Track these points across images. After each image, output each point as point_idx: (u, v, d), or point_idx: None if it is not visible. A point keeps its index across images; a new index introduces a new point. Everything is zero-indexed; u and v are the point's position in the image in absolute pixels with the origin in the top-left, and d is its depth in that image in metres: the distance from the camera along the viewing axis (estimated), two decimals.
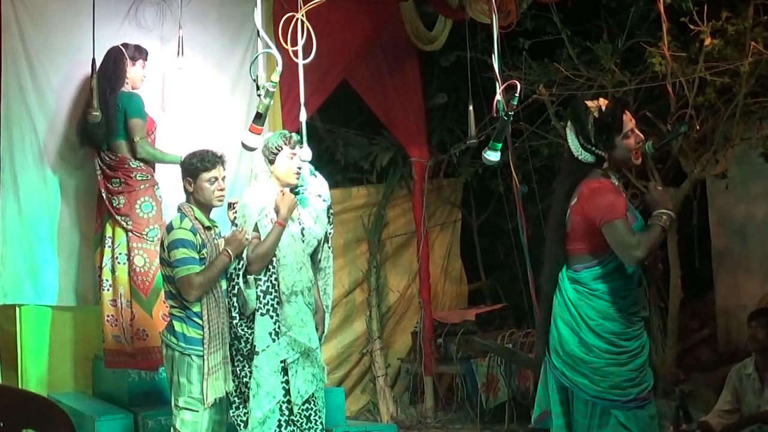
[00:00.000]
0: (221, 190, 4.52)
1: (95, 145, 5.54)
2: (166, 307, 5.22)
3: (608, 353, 3.74)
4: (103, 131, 5.42)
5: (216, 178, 4.49)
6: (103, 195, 5.50)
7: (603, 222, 3.71)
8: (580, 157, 3.81)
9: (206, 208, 4.54)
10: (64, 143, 5.75)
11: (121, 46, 5.56)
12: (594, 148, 3.78)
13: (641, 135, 3.82)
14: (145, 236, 5.41)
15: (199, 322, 4.39)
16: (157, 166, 5.61)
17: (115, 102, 5.43)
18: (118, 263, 5.46)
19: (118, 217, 5.44)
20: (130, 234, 5.42)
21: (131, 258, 5.41)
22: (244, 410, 4.51)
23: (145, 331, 5.39)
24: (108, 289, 5.49)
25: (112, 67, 5.50)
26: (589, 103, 3.81)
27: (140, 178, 5.48)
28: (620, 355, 3.73)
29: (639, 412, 3.74)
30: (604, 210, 3.71)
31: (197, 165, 4.47)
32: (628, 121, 3.80)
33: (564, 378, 3.81)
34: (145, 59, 5.64)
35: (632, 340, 3.76)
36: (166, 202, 5.51)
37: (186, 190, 4.53)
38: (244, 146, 4.10)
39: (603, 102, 3.82)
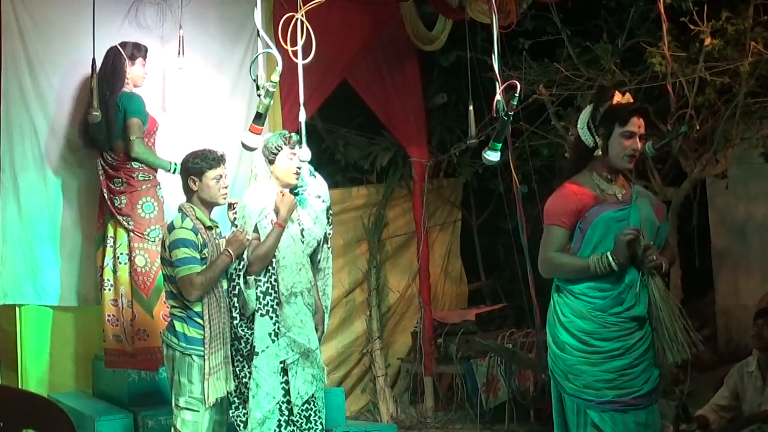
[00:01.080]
0: (225, 187, 4.56)
1: (98, 145, 5.54)
2: (167, 307, 5.24)
3: (580, 351, 3.74)
4: (104, 132, 5.43)
5: (221, 176, 4.52)
6: (105, 195, 5.50)
7: (545, 224, 3.85)
8: (580, 131, 3.86)
9: (209, 207, 4.55)
10: (64, 143, 5.75)
11: (118, 46, 5.54)
12: (595, 129, 3.81)
13: (639, 146, 3.83)
14: (146, 236, 5.41)
15: (200, 322, 4.39)
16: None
17: (115, 103, 5.42)
18: (120, 263, 5.46)
19: (119, 217, 5.44)
20: (131, 234, 5.42)
21: (132, 258, 5.41)
22: (244, 411, 4.51)
23: (146, 331, 5.39)
24: (109, 289, 5.49)
25: (111, 68, 5.49)
26: (618, 93, 3.89)
27: (142, 179, 5.47)
28: (593, 354, 3.72)
29: (618, 416, 3.69)
30: (546, 212, 3.86)
31: (202, 164, 4.49)
32: (636, 125, 3.81)
33: (551, 375, 3.84)
34: (145, 57, 5.62)
35: (609, 341, 3.72)
36: (168, 203, 5.51)
37: (189, 190, 4.53)
38: (244, 146, 4.09)
39: (629, 98, 3.91)
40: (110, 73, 5.48)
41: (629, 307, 3.75)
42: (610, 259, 3.67)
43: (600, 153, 3.82)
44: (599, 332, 3.73)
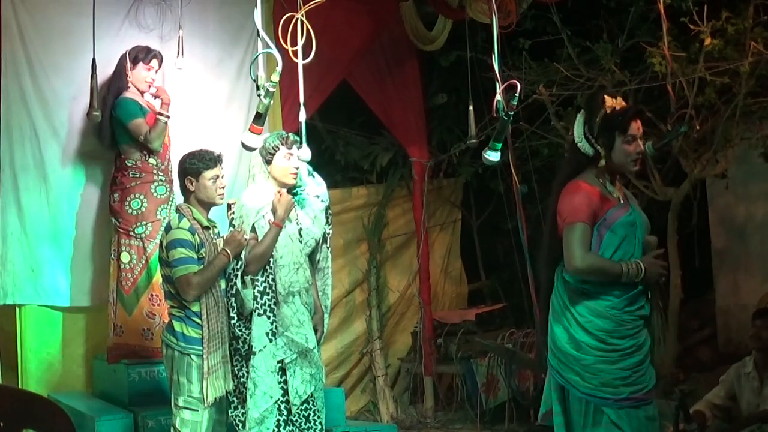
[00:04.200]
0: (222, 187, 4.57)
1: (111, 147, 5.59)
2: (153, 305, 5.27)
3: (598, 350, 3.75)
4: (106, 133, 5.50)
5: (217, 176, 4.53)
6: (108, 195, 5.57)
7: (565, 222, 3.77)
8: (579, 145, 3.84)
9: (207, 207, 4.56)
10: (64, 143, 5.76)
11: (127, 52, 5.58)
12: (594, 140, 3.80)
13: (642, 147, 3.84)
14: (131, 232, 5.43)
15: (199, 321, 4.39)
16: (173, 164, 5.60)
17: (111, 107, 5.46)
18: (111, 260, 5.54)
19: (111, 215, 5.50)
20: (119, 231, 5.46)
21: (119, 255, 5.45)
22: (243, 410, 4.51)
23: (122, 328, 5.44)
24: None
25: (113, 72, 5.57)
26: (608, 98, 3.86)
27: (132, 176, 5.50)
28: (611, 353, 3.74)
29: (633, 412, 3.74)
30: (568, 209, 3.79)
31: (199, 164, 4.50)
32: (636, 128, 3.82)
33: (558, 375, 3.84)
34: (148, 61, 5.58)
35: (625, 339, 3.76)
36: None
37: (186, 190, 4.54)
38: (244, 146, 4.10)
39: (621, 102, 3.87)
40: (111, 76, 5.57)
41: (640, 307, 3.80)
42: (639, 278, 3.73)
43: (604, 163, 3.82)
44: (617, 330, 3.76)
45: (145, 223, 5.43)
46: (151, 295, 5.42)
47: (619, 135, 3.80)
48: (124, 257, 5.44)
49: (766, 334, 5.05)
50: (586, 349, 3.76)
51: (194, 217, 4.48)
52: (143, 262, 5.42)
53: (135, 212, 5.45)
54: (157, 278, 5.19)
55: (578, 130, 3.86)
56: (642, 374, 3.77)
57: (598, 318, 3.76)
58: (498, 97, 4.03)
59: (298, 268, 4.56)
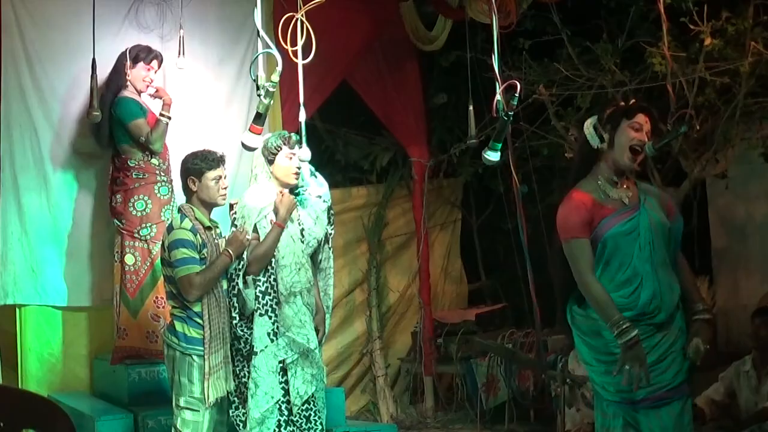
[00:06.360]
0: (225, 188, 4.57)
1: (108, 147, 5.58)
2: (157, 307, 5.26)
3: (602, 363, 3.79)
4: (106, 134, 5.48)
5: (220, 177, 4.54)
6: (108, 195, 5.54)
7: (563, 239, 3.81)
8: (587, 133, 3.87)
9: (209, 207, 4.56)
10: (65, 143, 5.77)
11: (128, 50, 5.57)
12: (602, 128, 3.84)
13: (645, 140, 3.83)
14: (136, 234, 5.42)
15: (200, 322, 4.39)
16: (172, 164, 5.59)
17: (110, 109, 5.45)
18: (115, 261, 5.53)
19: (113, 217, 5.49)
20: (123, 232, 5.44)
21: (123, 257, 5.44)
22: (244, 410, 4.51)
23: (125, 330, 5.43)
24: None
25: (112, 70, 5.55)
26: (623, 100, 3.97)
27: (135, 176, 5.50)
28: (615, 363, 3.70)
29: (651, 412, 3.72)
30: (562, 226, 3.83)
31: (201, 164, 4.50)
32: (643, 119, 3.85)
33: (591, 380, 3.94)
34: (149, 61, 5.59)
35: None
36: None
37: (188, 190, 4.54)
38: (244, 146, 4.10)
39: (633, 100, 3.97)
40: (110, 74, 5.55)
41: (652, 317, 3.75)
42: (622, 343, 3.62)
43: (605, 147, 3.83)
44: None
45: (149, 224, 5.42)
46: (156, 298, 5.41)
47: (626, 120, 3.82)
48: (129, 259, 5.43)
49: (765, 332, 5.07)
50: (596, 358, 3.81)
51: (196, 218, 4.48)
52: (148, 264, 5.41)
53: (140, 214, 5.44)
54: (162, 280, 5.19)
55: (589, 122, 3.92)
56: (660, 373, 3.71)
57: (600, 331, 3.76)
58: (498, 97, 4.03)
59: (299, 269, 4.56)
